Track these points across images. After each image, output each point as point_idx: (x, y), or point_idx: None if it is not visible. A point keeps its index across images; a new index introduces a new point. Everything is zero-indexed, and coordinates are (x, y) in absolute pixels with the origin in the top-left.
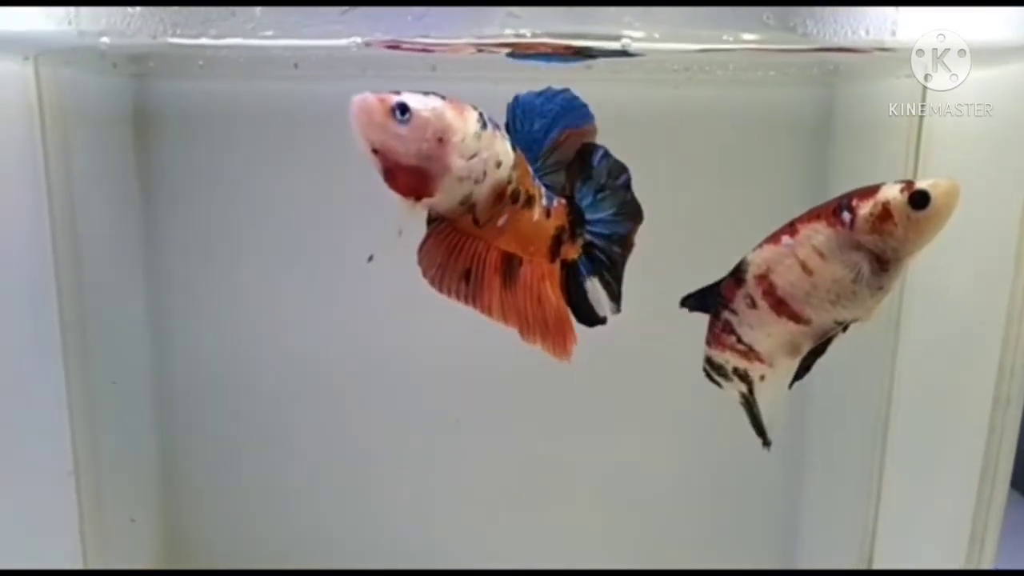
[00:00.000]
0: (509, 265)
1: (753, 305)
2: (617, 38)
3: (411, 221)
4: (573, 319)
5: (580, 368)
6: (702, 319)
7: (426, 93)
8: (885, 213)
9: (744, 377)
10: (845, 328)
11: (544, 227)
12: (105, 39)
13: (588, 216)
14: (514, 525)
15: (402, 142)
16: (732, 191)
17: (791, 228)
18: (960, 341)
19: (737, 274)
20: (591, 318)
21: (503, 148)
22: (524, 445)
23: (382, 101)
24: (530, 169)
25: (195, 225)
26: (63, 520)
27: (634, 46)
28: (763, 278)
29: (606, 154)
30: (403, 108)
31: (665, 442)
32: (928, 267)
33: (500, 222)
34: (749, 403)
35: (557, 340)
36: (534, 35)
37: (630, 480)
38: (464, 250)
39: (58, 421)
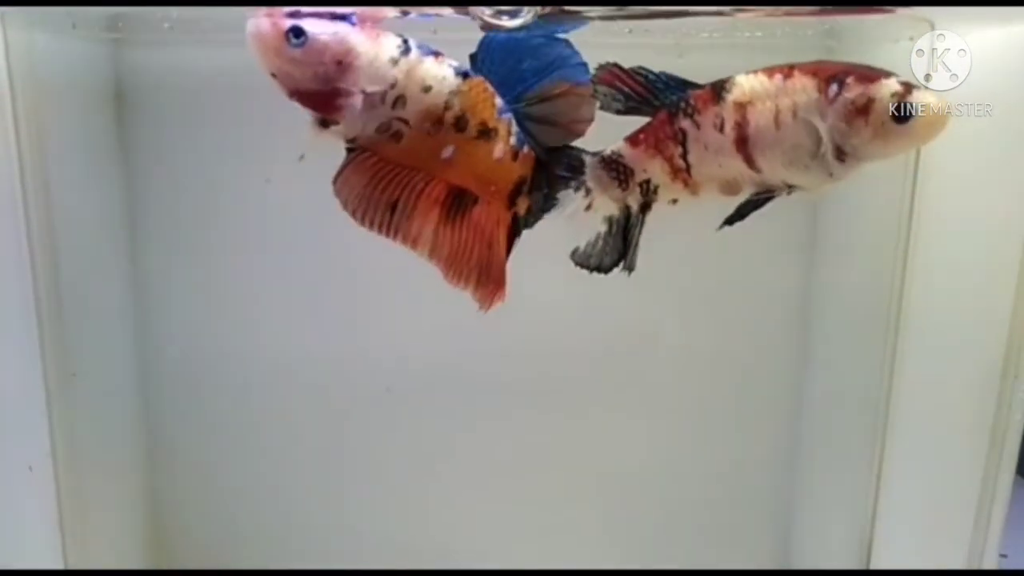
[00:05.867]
0: (459, 201)
1: (720, 129)
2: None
3: (322, 149)
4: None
5: (577, 367)
6: (701, 322)
7: (343, 19)
8: (864, 108)
9: (647, 193)
10: (790, 191)
11: (510, 168)
12: None
13: None
14: (510, 525)
15: (297, 66)
16: None
17: (789, 71)
18: (960, 338)
19: (719, 89)
20: None
21: (433, 73)
22: (521, 445)
23: (275, 25)
24: (497, 102)
25: (177, 203)
26: (41, 520)
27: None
28: (741, 107)
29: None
30: (297, 32)
31: (662, 442)
32: (930, 259)
33: (445, 153)
34: (628, 221)
35: (490, 289)
36: None
37: (626, 479)
38: (391, 180)
39: (35, 415)
